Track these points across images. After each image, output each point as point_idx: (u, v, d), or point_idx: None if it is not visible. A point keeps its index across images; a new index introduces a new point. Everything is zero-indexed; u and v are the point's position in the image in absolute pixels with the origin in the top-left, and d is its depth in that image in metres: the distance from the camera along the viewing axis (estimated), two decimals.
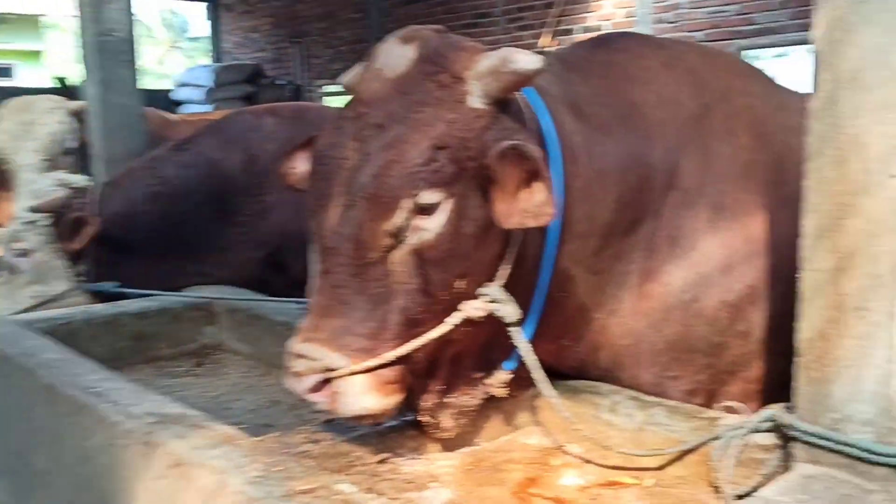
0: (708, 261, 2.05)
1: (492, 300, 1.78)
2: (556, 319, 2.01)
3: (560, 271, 1.95)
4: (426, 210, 1.69)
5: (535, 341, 1.98)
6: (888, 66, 1.42)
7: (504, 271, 1.80)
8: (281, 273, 3.89)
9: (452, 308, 1.77)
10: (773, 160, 2.12)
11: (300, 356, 1.71)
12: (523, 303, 1.86)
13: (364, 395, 1.71)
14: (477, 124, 1.72)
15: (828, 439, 1.55)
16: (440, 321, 1.76)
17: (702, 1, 7.95)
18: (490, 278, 1.81)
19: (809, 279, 1.56)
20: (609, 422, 2.03)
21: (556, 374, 2.20)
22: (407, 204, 1.67)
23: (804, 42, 7.13)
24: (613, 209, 2.00)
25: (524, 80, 1.72)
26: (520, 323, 1.82)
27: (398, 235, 1.69)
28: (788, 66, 9.20)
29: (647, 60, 2.17)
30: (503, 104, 1.77)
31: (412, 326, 1.75)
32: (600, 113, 2.03)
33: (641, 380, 2.12)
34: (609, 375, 2.17)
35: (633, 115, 2.06)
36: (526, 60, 1.67)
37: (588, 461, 1.96)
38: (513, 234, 1.81)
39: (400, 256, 1.72)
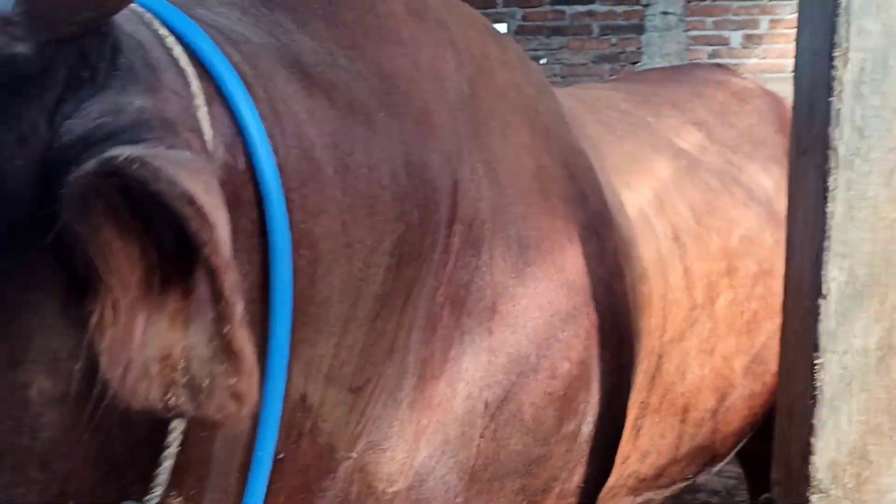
0: (519, 332, 1.30)
1: None
2: (277, 488, 1.06)
3: (293, 404, 1.01)
4: None
5: None
6: None
7: (167, 461, 0.80)
8: None
9: None
10: (561, 167, 1.46)
11: None
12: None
13: None
14: (30, 102, 0.69)
15: None
16: None
17: None
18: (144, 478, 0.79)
19: (836, 367, 0.94)
20: None
21: None
22: None
23: None
24: (388, 267, 1.09)
25: None
26: None
27: None
28: None
29: (388, 2, 1.28)
30: (91, 51, 0.72)
31: None
32: (348, 86, 1.08)
33: None
34: None
35: (391, 96, 1.16)
36: None
37: None
38: None
39: None
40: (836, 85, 0.90)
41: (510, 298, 1.29)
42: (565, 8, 5.24)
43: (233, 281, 0.63)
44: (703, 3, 5.23)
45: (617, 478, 1.86)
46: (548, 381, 1.31)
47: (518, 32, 5.28)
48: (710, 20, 5.20)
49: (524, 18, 5.32)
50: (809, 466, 0.97)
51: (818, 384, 0.95)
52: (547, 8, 5.25)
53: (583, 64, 5.25)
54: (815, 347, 0.95)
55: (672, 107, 2.29)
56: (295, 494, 1.13)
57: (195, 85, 0.81)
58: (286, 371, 0.91)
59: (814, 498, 0.97)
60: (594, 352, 1.37)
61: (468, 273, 1.25)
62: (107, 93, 0.71)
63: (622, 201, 1.75)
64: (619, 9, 5.19)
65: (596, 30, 5.24)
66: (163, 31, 0.82)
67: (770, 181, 2.12)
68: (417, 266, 1.15)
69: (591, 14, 5.23)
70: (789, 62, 5.06)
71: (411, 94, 1.20)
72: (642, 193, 1.85)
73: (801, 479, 0.99)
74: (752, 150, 2.18)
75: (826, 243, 0.92)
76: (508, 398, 1.29)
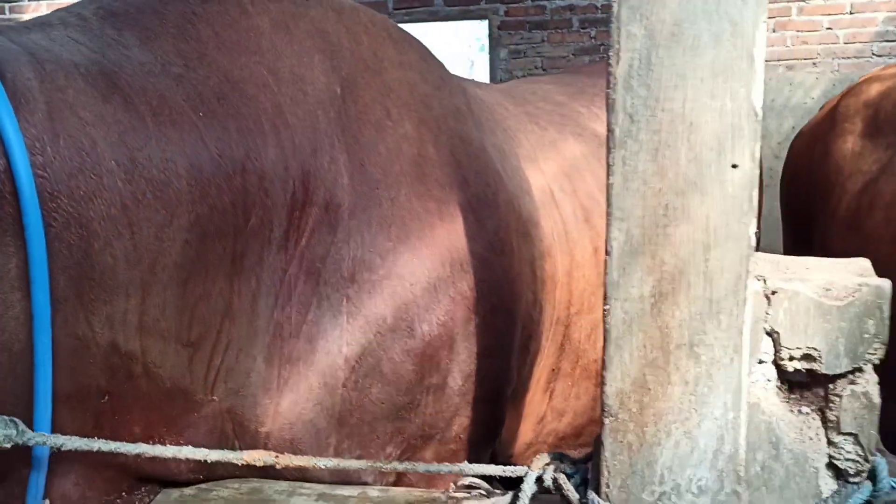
0: (376, 298, 1.49)
1: None
2: (128, 418, 1.32)
3: (104, 350, 1.24)
4: None
5: (89, 459, 1.30)
6: (722, 15, 1.05)
7: None
8: None
9: None
10: (447, 154, 1.65)
11: None
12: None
13: None
14: None
15: None
16: None
17: None
18: None
19: (620, 311, 1.13)
20: None
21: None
22: None
23: None
24: (186, 241, 1.29)
25: None
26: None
27: None
28: None
29: (253, 18, 1.49)
30: None
31: None
32: (166, 92, 1.31)
33: (313, 472, 1.50)
34: (271, 472, 1.51)
35: (229, 99, 1.37)
36: None
37: None
38: None
39: None
40: (611, 79, 1.09)
41: (368, 269, 1.48)
42: (546, 3, 5.42)
43: None
44: None
45: (536, 435, 2.06)
46: (405, 340, 1.50)
47: (500, 27, 5.46)
48: None
49: (506, 14, 5.49)
50: (603, 395, 1.17)
51: (607, 327, 1.15)
52: (528, 3, 5.43)
53: (563, 56, 5.42)
54: (605, 297, 1.15)
55: (605, 97, 2.46)
56: (154, 426, 1.36)
57: None
58: (49, 325, 1.13)
59: (606, 421, 1.17)
60: (458, 316, 1.55)
61: (323, 248, 1.45)
62: None
63: (530, 185, 1.94)
64: (599, 2, 5.35)
65: (576, 23, 5.41)
66: None
67: None
68: (240, 238, 1.35)
69: (571, 8, 5.40)
70: (774, 50, 5.13)
71: (258, 97, 1.40)
72: (554, 178, 2.03)
73: (601, 407, 1.19)
74: None
75: (609, 209, 1.12)
76: (366, 353, 1.48)
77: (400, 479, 1.60)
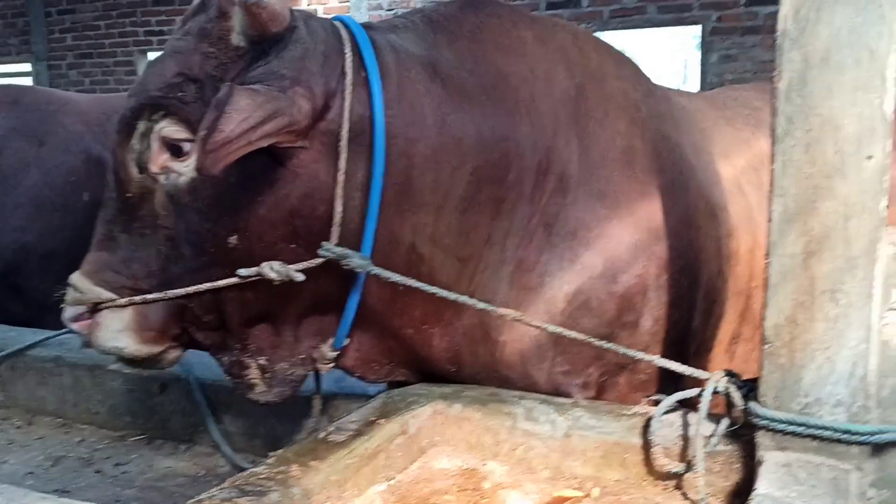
0: (591, 250, 1.94)
1: (338, 256, 1.70)
2: (412, 302, 1.87)
3: (406, 247, 1.82)
4: (176, 149, 1.65)
5: (383, 325, 1.92)
6: (862, 46, 1.41)
7: (335, 231, 1.71)
8: (17, 296, 3.14)
9: (231, 263, 1.68)
10: (650, 147, 2.08)
11: (69, 285, 1.74)
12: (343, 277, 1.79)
13: (120, 332, 1.72)
14: (236, 65, 1.65)
15: (801, 424, 1.53)
16: (217, 276, 1.70)
17: None
18: (288, 237, 1.71)
19: (777, 264, 1.52)
20: (530, 431, 1.86)
21: (432, 379, 2.06)
22: (143, 127, 1.66)
23: None
24: (469, 182, 1.84)
25: (272, 16, 1.60)
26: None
27: (147, 170, 1.67)
28: None
29: (521, 31, 2.02)
30: (278, 45, 1.66)
31: (180, 275, 1.70)
32: (464, 79, 1.87)
33: (534, 378, 1.99)
34: (496, 375, 2.01)
35: (500, 87, 1.91)
36: None
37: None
38: (317, 189, 1.69)
39: (159, 199, 1.68)
40: (776, 92, 1.49)
41: (586, 229, 1.94)
42: (759, 9, 5.58)
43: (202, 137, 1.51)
44: None
45: None
46: (609, 284, 1.94)
47: (713, 32, 5.68)
48: None
49: (718, 20, 5.71)
50: (763, 328, 1.56)
51: (767, 276, 1.54)
52: (741, 10, 5.62)
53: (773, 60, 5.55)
54: (766, 253, 1.54)
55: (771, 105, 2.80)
56: (428, 316, 1.93)
57: (350, 77, 1.70)
58: (376, 218, 1.74)
59: (765, 348, 1.55)
60: (651, 271, 1.97)
61: (557, 208, 1.94)
62: (271, 65, 1.65)
63: (720, 176, 2.32)
64: None
65: None
66: (347, 49, 1.73)
67: None
68: (502, 188, 1.88)
69: None
70: None
71: (519, 88, 1.93)
72: (743, 172, 2.39)
73: (761, 338, 1.58)
74: None
75: (771, 188, 1.52)
76: (580, 292, 1.94)
77: (598, 398, 2.04)
